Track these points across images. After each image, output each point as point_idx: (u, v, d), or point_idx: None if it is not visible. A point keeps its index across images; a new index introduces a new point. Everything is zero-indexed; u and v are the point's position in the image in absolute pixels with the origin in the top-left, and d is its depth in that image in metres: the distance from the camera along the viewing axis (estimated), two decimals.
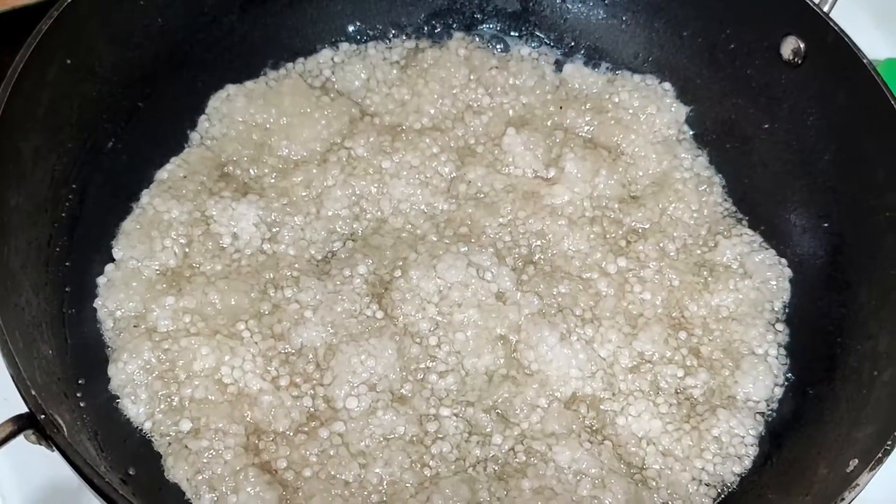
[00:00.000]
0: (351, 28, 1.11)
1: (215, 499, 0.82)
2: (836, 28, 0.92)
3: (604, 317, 0.94)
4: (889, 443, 0.74)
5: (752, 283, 0.97)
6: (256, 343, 0.90)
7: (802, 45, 0.96)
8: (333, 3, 1.10)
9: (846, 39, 0.92)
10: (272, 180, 1.00)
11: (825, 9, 0.94)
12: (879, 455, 0.74)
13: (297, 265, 0.95)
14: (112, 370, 0.88)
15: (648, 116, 1.07)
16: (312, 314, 0.91)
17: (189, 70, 1.03)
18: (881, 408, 0.81)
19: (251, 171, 1.01)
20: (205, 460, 0.84)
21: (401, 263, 0.95)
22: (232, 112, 1.03)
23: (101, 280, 0.92)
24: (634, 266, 0.97)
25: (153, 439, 0.86)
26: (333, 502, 0.83)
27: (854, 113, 0.93)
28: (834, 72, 0.94)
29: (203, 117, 1.04)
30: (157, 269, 0.93)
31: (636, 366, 0.92)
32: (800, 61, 0.97)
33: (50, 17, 0.85)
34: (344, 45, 1.10)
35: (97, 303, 0.91)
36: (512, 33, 1.14)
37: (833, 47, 0.93)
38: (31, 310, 0.82)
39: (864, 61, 0.90)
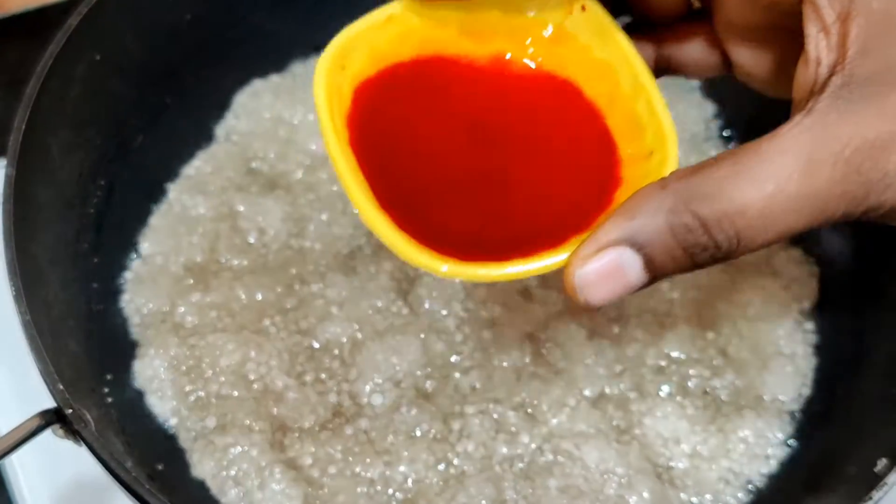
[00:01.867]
0: None
1: (241, 494, 0.83)
2: None
3: (630, 315, 0.94)
4: None
5: (780, 282, 0.96)
6: (282, 339, 0.90)
7: None
8: None
9: None
10: (299, 176, 1.01)
11: None
12: None
13: (323, 261, 0.95)
14: (139, 366, 0.88)
15: (675, 113, 1.06)
16: (338, 310, 0.91)
17: (216, 66, 1.03)
18: None
19: (278, 166, 1.01)
20: (230, 456, 0.84)
21: None
22: (259, 108, 1.04)
23: (128, 276, 0.93)
24: None
25: (179, 435, 0.86)
26: (358, 499, 0.83)
27: None
28: None
29: (230, 113, 1.04)
30: (183, 265, 0.94)
31: (663, 367, 0.92)
32: None
33: (79, 14, 0.86)
34: None
35: (124, 298, 0.92)
36: None
37: None
38: (59, 305, 0.82)
39: None
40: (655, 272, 0.56)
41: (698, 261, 0.56)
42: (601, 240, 0.56)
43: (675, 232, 0.55)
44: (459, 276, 0.61)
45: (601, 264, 0.56)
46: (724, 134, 1.07)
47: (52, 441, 0.73)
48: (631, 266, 0.56)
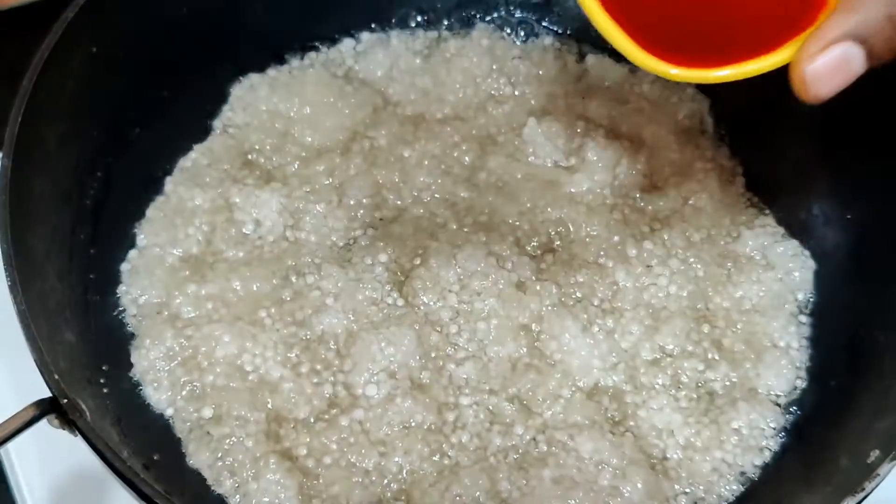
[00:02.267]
0: (373, 17, 1.11)
1: (236, 485, 0.83)
2: None
3: (625, 308, 0.94)
4: None
5: (775, 275, 0.97)
6: (278, 330, 0.90)
7: None
8: None
9: None
10: (295, 168, 1.01)
11: None
12: None
13: (318, 252, 0.96)
14: (135, 357, 0.89)
15: (670, 107, 1.07)
16: (334, 301, 0.92)
17: (213, 59, 1.03)
18: None
19: (274, 159, 1.02)
20: (226, 447, 0.84)
21: (421, 252, 0.95)
22: (255, 101, 1.04)
23: (124, 267, 0.93)
24: (657, 256, 0.97)
25: (175, 426, 0.87)
26: (353, 490, 0.83)
27: (878, 104, 0.92)
28: None
29: (226, 106, 1.04)
30: (180, 256, 0.94)
31: (657, 359, 0.92)
32: None
33: (76, 7, 0.86)
34: (366, 35, 1.11)
35: (121, 290, 0.92)
36: (536, 24, 1.14)
37: None
38: (55, 296, 0.83)
39: None
40: (874, 61, 0.63)
41: None
42: (827, 36, 0.62)
43: (894, 23, 0.61)
44: (690, 79, 0.68)
45: (829, 59, 0.62)
46: (718, 127, 1.07)
47: (49, 433, 0.73)
48: (855, 58, 0.62)
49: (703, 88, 1.08)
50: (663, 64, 0.68)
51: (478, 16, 1.14)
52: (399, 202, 1.00)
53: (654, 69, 0.68)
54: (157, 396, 0.87)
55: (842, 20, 0.62)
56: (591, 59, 1.11)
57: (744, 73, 0.67)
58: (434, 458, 0.85)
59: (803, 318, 0.96)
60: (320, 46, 1.10)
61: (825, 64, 0.62)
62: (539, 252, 0.97)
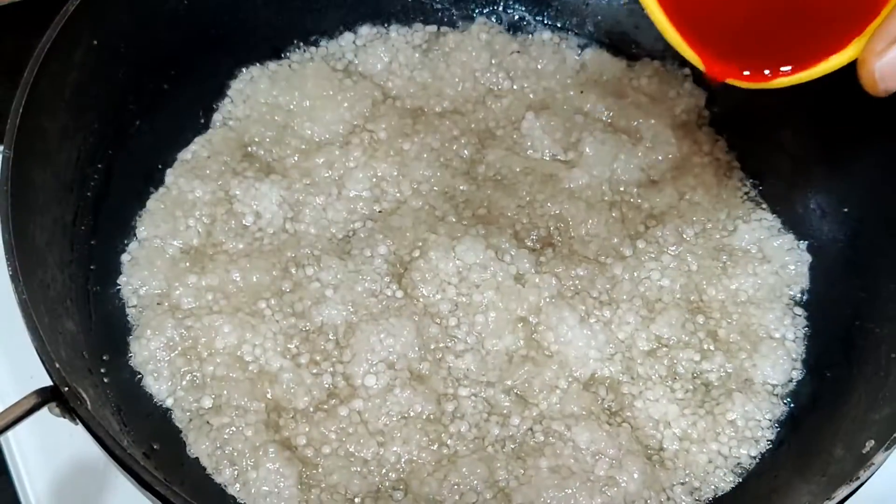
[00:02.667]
0: (373, 11, 1.12)
1: (236, 474, 0.84)
2: None
3: (621, 300, 0.94)
4: None
5: (771, 268, 0.97)
6: (277, 321, 0.91)
7: None
8: None
9: None
10: (295, 161, 1.02)
11: None
12: (895, 435, 0.74)
13: (318, 244, 0.96)
14: (135, 347, 0.89)
15: (668, 101, 1.07)
16: (333, 293, 0.92)
17: (213, 52, 1.04)
18: None
19: (274, 151, 1.02)
20: (226, 436, 0.85)
21: (420, 244, 0.96)
22: (255, 94, 1.05)
23: (125, 258, 0.94)
24: (653, 250, 0.98)
25: (175, 415, 0.87)
26: (352, 479, 0.84)
27: (875, 98, 0.93)
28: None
29: (226, 99, 1.05)
30: (180, 248, 0.95)
31: (654, 349, 0.93)
32: None
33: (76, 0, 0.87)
34: (366, 29, 1.11)
35: (121, 280, 0.93)
36: (534, 18, 1.14)
37: None
38: (56, 286, 0.83)
39: None
40: None
41: None
42: (893, 32, 0.62)
43: None
44: (756, 86, 0.70)
45: None
46: (716, 122, 1.08)
47: (49, 424, 0.74)
48: None
49: (701, 83, 1.08)
50: (733, 70, 0.70)
51: (476, 10, 1.14)
52: (398, 195, 1.00)
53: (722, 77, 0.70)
54: (158, 386, 0.88)
55: None
56: (589, 53, 1.12)
57: (811, 75, 0.68)
58: (432, 447, 0.86)
59: (799, 311, 0.96)
60: (320, 40, 1.10)
61: (893, 60, 0.63)
62: (539, 246, 0.97)
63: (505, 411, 0.88)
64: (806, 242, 0.99)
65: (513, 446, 0.87)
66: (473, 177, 1.02)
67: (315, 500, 0.83)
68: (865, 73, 0.64)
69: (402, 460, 0.85)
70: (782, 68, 0.68)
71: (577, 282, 0.95)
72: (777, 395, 0.92)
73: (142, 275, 0.93)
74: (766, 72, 0.69)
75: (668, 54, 1.10)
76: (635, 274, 0.96)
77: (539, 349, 0.91)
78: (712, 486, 0.87)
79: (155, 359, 0.89)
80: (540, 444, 0.86)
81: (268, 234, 0.97)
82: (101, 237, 0.92)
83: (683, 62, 1.09)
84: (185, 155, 1.01)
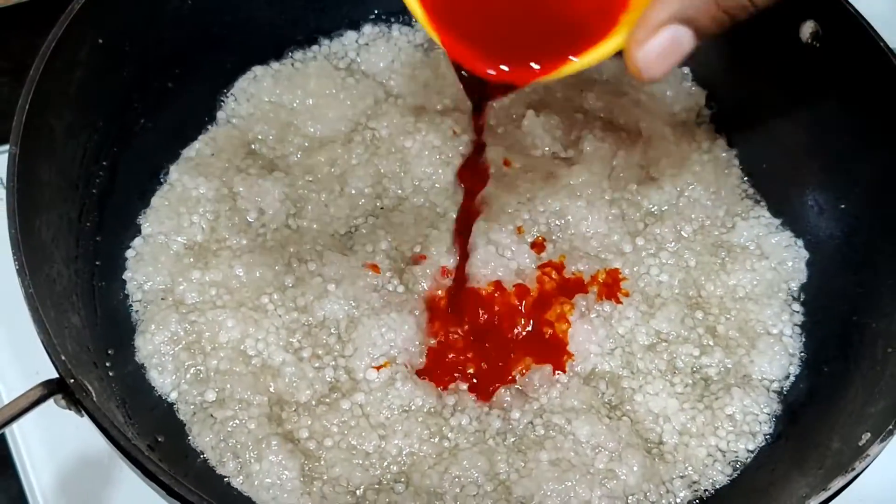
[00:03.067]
0: (375, 10, 1.12)
1: (239, 466, 0.84)
2: (854, 12, 0.93)
3: (622, 295, 0.95)
4: None
5: (769, 264, 0.98)
6: (280, 315, 0.92)
7: (821, 29, 0.96)
8: None
9: (864, 24, 0.92)
10: (297, 158, 1.03)
11: None
12: (891, 427, 0.75)
13: (320, 240, 0.97)
14: (140, 341, 0.90)
15: (667, 99, 1.08)
16: (335, 288, 0.93)
17: (217, 51, 1.05)
18: (894, 383, 0.82)
19: (277, 149, 1.03)
20: (229, 429, 0.86)
21: (421, 240, 0.97)
22: (259, 92, 1.06)
23: (130, 254, 0.95)
24: (652, 247, 0.99)
25: (179, 408, 0.88)
26: (354, 472, 0.85)
27: (871, 96, 0.93)
28: (851, 55, 0.94)
29: (230, 97, 1.06)
30: (184, 244, 0.95)
31: (653, 344, 0.94)
32: (818, 44, 0.97)
33: None
34: (368, 28, 1.12)
35: (126, 276, 0.94)
36: None
37: (851, 31, 0.93)
38: (62, 281, 0.84)
39: (882, 45, 0.91)
40: (702, 37, 0.64)
41: (738, 19, 0.64)
42: (654, 21, 0.64)
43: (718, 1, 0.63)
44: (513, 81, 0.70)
45: (659, 43, 0.64)
46: (715, 119, 1.09)
47: (54, 417, 0.75)
48: (684, 38, 0.64)
49: (701, 80, 1.09)
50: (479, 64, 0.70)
51: None
52: (400, 191, 1.01)
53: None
54: (162, 380, 0.89)
55: (666, 3, 0.63)
56: None
57: (574, 68, 0.69)
58: (433, 440, 0.87)
59: (796, 306, 0.97)
60: (323, 39, 1.11)
61: (655, 48, 0.64)
62: (539, 241, 0.98)
63: (505, 405, 0.89)
64: (803, 239, 1.00)
65: (513, 439, 0.88)
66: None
67: (317, 493, 0.84)
68: (630, 63, 0.65)
69: (404, 453, 0.86)
70: (539, 63, 0.69)
71: (578, 277, 0.96)
72: (775, 389, 0.92)
73: (146, 270, 0.93)
74: (534, 65, 0.69)
75: None
76: (635, 270, 0.97)
77: (540, 343, 0.92)
78: (711, 480, 0.88)
79: (159, 353, 0.89)
80: (540, 438, 0.87)
81: (271, 230, 0.98)
82: (106, 233, 0.93)
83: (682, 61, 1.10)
84: (190, 152, 1.02)
